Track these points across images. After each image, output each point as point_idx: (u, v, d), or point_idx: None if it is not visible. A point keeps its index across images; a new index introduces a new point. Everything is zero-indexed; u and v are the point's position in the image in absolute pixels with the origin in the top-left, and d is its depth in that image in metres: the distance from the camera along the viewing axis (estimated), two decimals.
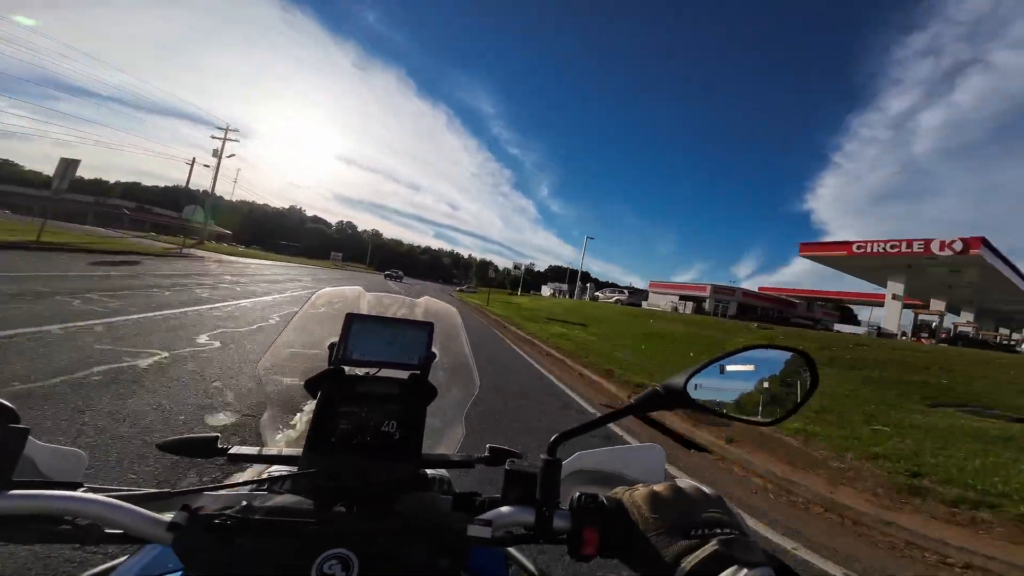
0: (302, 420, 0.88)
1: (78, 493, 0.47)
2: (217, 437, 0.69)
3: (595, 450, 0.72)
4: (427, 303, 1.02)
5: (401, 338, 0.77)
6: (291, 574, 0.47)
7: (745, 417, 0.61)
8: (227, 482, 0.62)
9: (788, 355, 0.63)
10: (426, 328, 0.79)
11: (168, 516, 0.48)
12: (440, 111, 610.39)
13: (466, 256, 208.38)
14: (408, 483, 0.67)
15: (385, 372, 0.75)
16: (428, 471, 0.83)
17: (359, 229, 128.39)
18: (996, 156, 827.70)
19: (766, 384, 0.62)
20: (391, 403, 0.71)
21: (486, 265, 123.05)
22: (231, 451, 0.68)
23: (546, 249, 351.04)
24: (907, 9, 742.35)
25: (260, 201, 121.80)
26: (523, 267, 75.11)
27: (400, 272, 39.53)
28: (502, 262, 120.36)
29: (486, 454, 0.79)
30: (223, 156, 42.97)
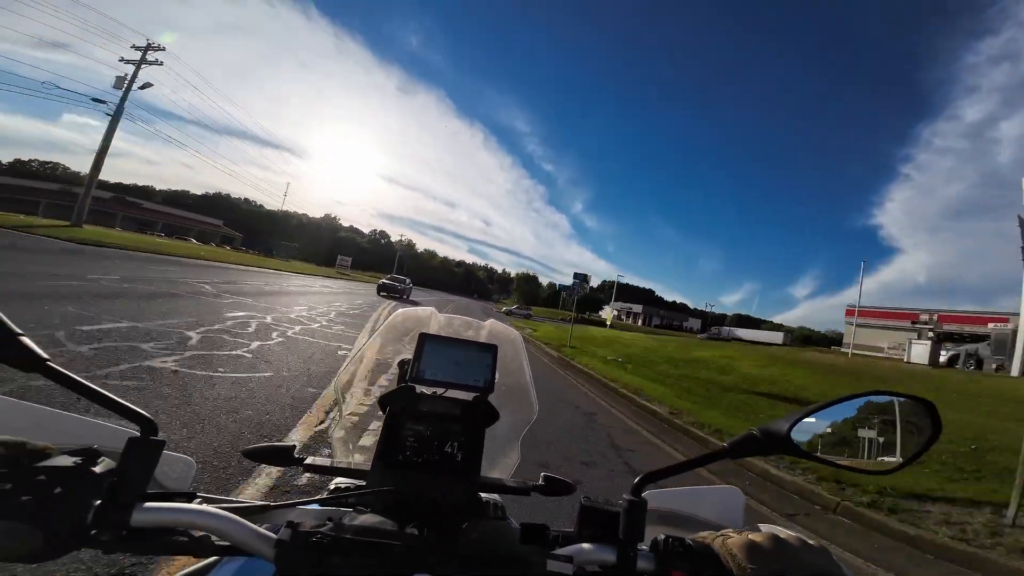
0: (369, 435, 0.88)
1: (201, 507, 0.49)
2: (294, 447, 0.72)
3: (670, 489, 0.71)
4: (492, 326, 1.03)
5: (467, 359, 0.78)
6: None
7: (855, 466, 0.58)
8: (314, 497, 0.65)
9: (906, 402, 0.60)
10: (491, 351, 0.80)
11: (268, 530, 0.50)
12: (477, 130, 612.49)
13: (500, 271, 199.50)
14: (468, 506, 0.67)
15: (451, 392, 0.76)
16: (482, 495, 0.80)
17: (392, 240, 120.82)
18: None
19: (880, 431, 0.59)
20: (454, 423, 0.73)
21: (530, 280, 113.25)
22: (307, 461, 0.72)
23: (579, 265, 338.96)
24: (976, 14, 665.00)
25: (307, 213, 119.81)
26: (583, 284, 63.56)
27: (405, 281, 30.49)
28: (539, 277, 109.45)
29: (541, 483, 0.80)
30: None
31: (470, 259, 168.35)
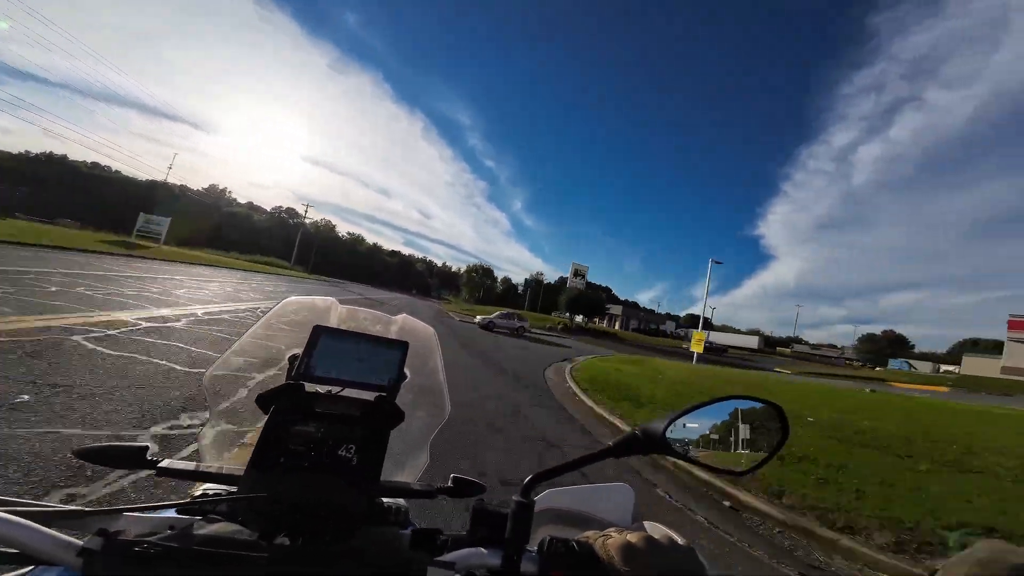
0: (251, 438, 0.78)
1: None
2: (146, 448, 0.65)
3: (564, 488, 0.72)
4: (404, 321, 0.96)
5: (371, 356, 0.73)
6: None
7: (718, 466, 0.63)
8: (157, 502, 0.54)
9: (762, 407, 0.65)
10: (400, 348, 0.75)
11: (77, 539, 0.44)
12: (416, 118, 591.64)
13: (440, 264, 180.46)
14: (363, 513, 0.63)
15: (349, 391, 0.71)
16: (385, 499, 0.78)
17: (307, 221, 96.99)
18: (924, 190, 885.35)
19: (741, 434, 0.64)
20: (352, 425, 0.67)
21: (483, 273, 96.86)
22: (162, 464, 0.65)
23: (518, 262, 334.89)
24: (857, 47, 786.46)
25: (186, 184, 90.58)
26: (580, 278, 49.89)
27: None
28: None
29: (450, 484, 0.78)
30: None
31: (407, 251, 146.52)
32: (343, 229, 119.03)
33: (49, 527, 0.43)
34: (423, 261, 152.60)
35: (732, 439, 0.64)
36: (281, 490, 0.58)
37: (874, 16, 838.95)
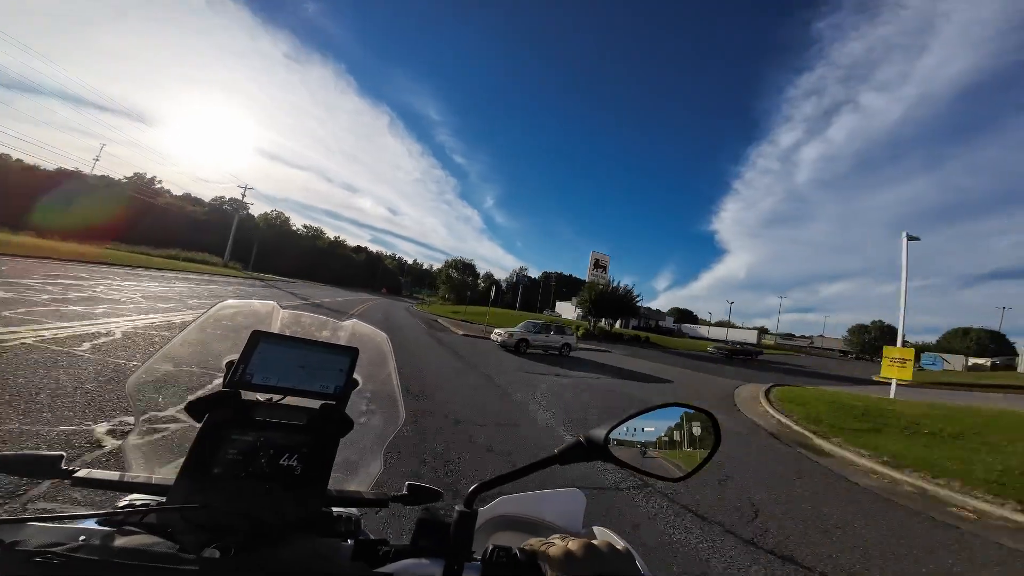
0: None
1: None
2: (62, 456, 0.61)
3: (516, 495, 0.71)
4: (354, 326, 0.92)
5: (316, 363, 0.70)
6: None
7: (656, 473, 0.64)
8: (71, 512, 0.55)
9: (696, 414, 0.67)
10: (348, 354, 0.73)
11: None
12: (382, 112, 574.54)
13: (411, 262, 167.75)
14: (307, 524, 0.61)
15: (293, 399, 0.69)
16: (335, 509, 0.72)
17: (248, 207, 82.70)
18: (856, 187, 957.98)
19: (678, 441, 0.66)
20: (297, 434, 0.65)
21: (465, 269, 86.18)
22: (79, 474, 0.60)
23: (492, 260, 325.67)
24: (802, 50, 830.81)
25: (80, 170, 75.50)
26: (601, 270, 38.86)
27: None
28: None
29: (404, 492, 0.77)
30: None
31: (374, 249, 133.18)
32: (303, 224, 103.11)
33: None
34: (392, 258, 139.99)
35: (672, 445, 0.65)
36: (214, 500, 0.55)
37: (817, 22, 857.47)
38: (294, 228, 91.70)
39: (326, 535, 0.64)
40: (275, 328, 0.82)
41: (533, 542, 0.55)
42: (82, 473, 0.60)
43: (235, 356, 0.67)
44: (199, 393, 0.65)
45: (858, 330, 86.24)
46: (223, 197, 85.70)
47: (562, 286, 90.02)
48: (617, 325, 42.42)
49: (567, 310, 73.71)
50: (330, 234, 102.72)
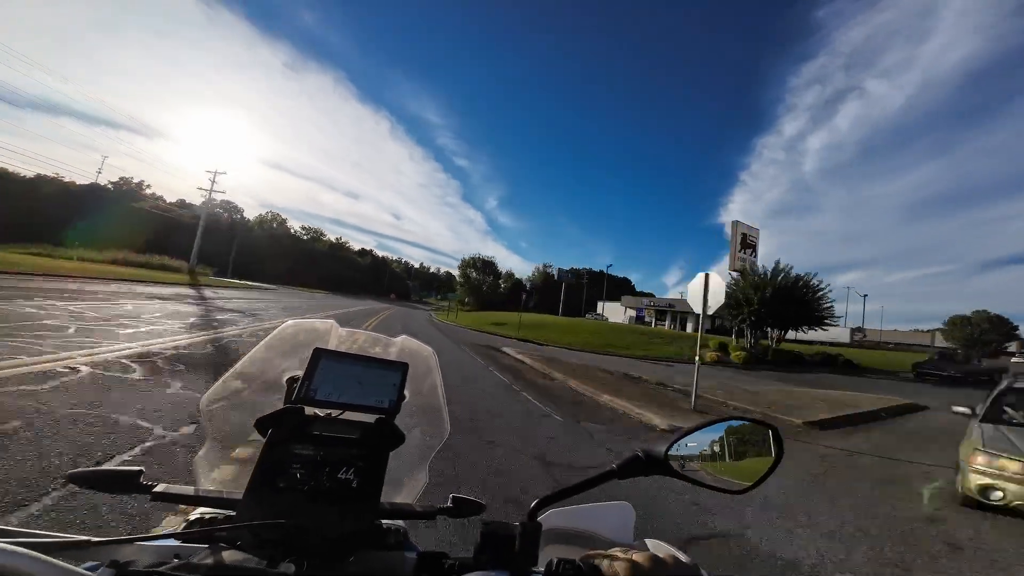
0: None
1: (9, 546, 0.41)
2: (140, 471, 0.64)
3: (567, 508, 0.72)
4: (403, 342, 0.96)
5: (371, 378, 0.73)
6: None
7: (717, 486, 0.64)
8: (157, 529, 0.59)
9: (757, 427, 0.67)
10: (399, 369, 0.76)
11: (90, 570, 0.44)
12: (383, 117, 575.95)
13: (417, 265, 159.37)
14: (363, 536, 0.63)
15: (349, 414, 0.71)
16: (385, 522, 0.75)
17: (215, 199, 74.80)
18: (863, 175, 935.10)
19: (738, 454, 0.66)
20: (352, 448, 0.67)
21: (485, 267, 73.27)
22: (157, 489, 0.63)
23: (498, 262, 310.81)
24: (804, 39, 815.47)
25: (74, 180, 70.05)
26: (750, 251, 24.55)
27: None
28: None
29: (449, 504, 0.78)
30: None
31: (380, 255, 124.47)
32: (302, 226, 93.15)
33: (58, 559, 0.41)
34: (399, 262, 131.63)
35: (731, 458, 0.65)
36: (280, 515, 0.56)
37: (817, 10, 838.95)
38: (291, 230, 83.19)
39: (380, 548, 0.67)
40: (332, 344, 0.84)
41: (594, 554, 0.55)
42: (160, 488, 0.63)
43: (296, 373, 0.72)
44: (267, 410, 0.67)
45: (959, 322, 69.45)
46: (216, 200, 77.50)
47: (592, 284, 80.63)
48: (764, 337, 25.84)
49: (615, 312, 64.55)
50: (331, 236, 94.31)
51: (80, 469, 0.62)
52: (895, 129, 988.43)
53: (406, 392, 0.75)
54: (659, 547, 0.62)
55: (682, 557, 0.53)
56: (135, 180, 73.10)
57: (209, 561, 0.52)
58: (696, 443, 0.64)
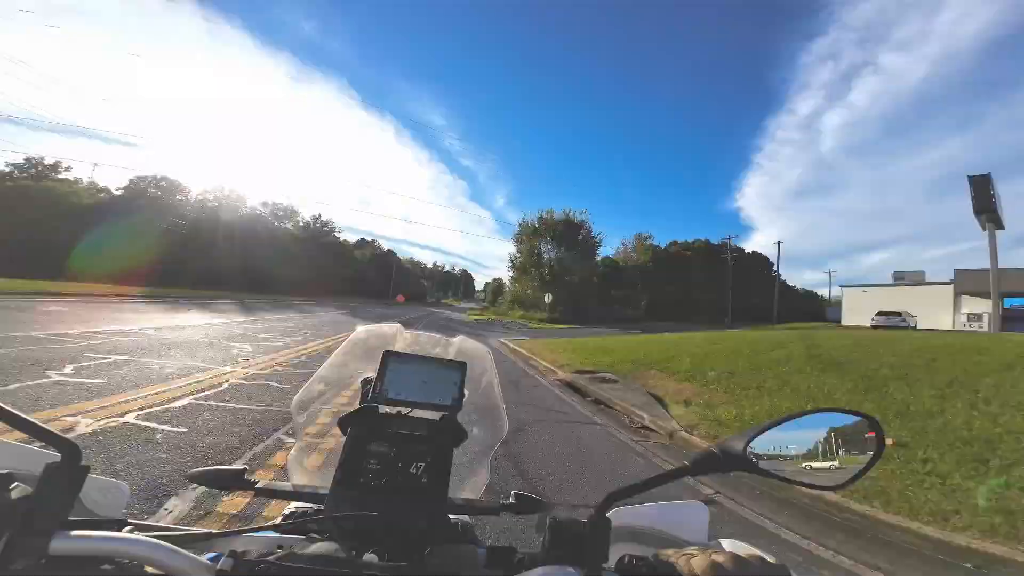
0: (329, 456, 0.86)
1: (131, 535, 0.48)
2: (244, 469, 0.73)
3: (636, 506, 0.71)
4: (460, 342, 1.00)
5: (434, 378, 0.77)
6: None
7: (807, 481, 0.60)
8: (265, 524, 0.64)
9: (853, 419, 0.62)
10: (459, 368, 0.79)
11: (208, 559, 0.50)
12: (387, 122, 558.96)
13: (430, 265, 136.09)
14: (437, 530, 0.67)
15: (417, 412, 0.76)
16: (451, 516, 0.80)
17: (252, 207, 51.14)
18: (887, 151, 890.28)
19: (831, 448, 0.61)
20: (420, 444, 0.72)
21: (567, 230, 40.71)
22: (259, 485, 0.73)
23: (507, 260, 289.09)
24: (810, 16, 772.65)
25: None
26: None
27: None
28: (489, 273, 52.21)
29: (511, 500, 0.82)
30: None
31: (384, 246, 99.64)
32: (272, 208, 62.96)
33: (187, 550, 0.47)
34: (410, 260, 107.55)
35: (823, 452, 0.60)
36: (365, 508, 0.61)
37: None
38: (256, 211, 55.60)
39: (451, 541, 0.71)
40: (399, 347, 0.90)
41: (670, 552, 0.53)
42: (261, 484, 0.73)
43: (369, 374, 0.77)
44: (346, 410, 0.73)
45: None
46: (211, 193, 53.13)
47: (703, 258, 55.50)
48: None
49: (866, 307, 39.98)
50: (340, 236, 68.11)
51: (197, 469, 0.70)
52: (917, 102, 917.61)
53: (465, 391, 0.78)
54: (739, 547, 0.58)
55: (767, 558, 0.50)
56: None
57: (307, 551, 0.56)
58: (780, 437, 0.57)
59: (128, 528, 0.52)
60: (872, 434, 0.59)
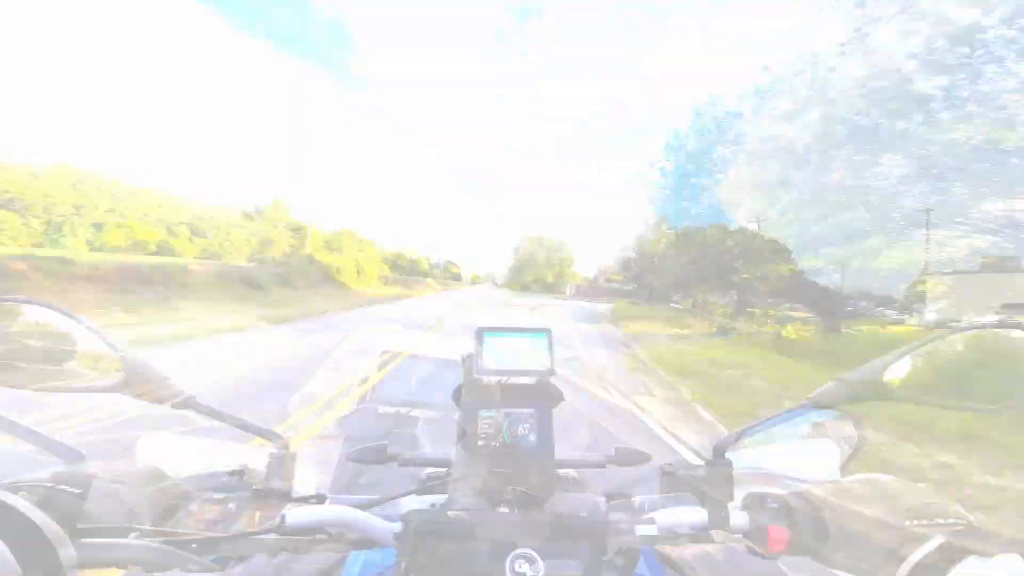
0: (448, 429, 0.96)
1: (338, 507, 0.60)
2: (386, 445, 0.89)
3: (758, 447, 0.73)
4: (538, 311, 1.11)
5: (525, 346, 0.83)
6: (487, 571, 0.55)
7: (956, 405, 0.60)
8: (418, 489, 0.76)
9: (1002, 335, 0.60)
10: (545, 335, 0.84)
11: (392, 525, 0.58)
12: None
13: None
14: (548, 483, 0.72)
15: (515, 379, 0.82)
16: (560, 471, 0.89)
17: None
18: None
19: (964, 372, 0.59)
20: (523, 408, 0.78)
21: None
22: (403, 456, 0.89)
23: None
24: None
25: None
26: None
27: None
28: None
29: (613, 454, 0.89)
30: None
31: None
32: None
33: (376, 519, 0.57)
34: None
35: (960, 375, 0.58)
36: (487, 468, 0.68)
37: None
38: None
39: (564, 492, 0.76)
40: (490, 323, 0.99)
41: (804, 488, 0.52)
42: (406, 455, 0.88)
43: (469, 351, 0.83)
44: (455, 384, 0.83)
45: None
46: None
47: None
48: None
49: None
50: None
51: (353, 450, 0.87)
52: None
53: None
54: (874, 477, 0.54)
55: (908, 482, 0.49)
56: None
57: (455, 508, 0.64)
58: (915, 361, 0.56)
59: (329, 501, 0.65)
60: None
